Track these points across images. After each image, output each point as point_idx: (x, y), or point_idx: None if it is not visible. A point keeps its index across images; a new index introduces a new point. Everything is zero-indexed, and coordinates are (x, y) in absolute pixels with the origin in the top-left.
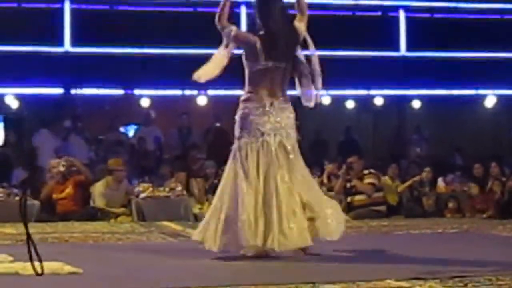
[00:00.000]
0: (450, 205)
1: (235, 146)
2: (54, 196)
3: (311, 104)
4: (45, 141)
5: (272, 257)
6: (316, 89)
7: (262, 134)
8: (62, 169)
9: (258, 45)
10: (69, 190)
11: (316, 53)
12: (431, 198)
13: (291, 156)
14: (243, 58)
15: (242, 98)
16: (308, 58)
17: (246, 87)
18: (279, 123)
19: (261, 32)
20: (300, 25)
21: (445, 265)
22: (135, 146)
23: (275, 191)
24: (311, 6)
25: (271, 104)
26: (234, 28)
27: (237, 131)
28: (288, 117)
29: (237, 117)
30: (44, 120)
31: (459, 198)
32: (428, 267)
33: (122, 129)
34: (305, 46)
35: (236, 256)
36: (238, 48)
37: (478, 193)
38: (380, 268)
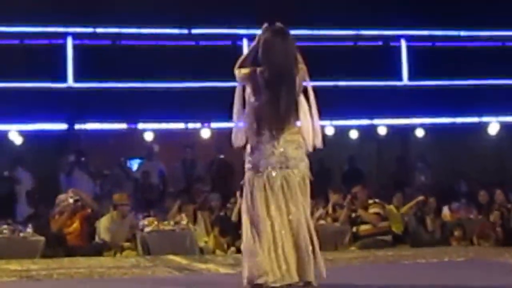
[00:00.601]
0: (456, 233)
1: (244, 179)
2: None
3: (317, 142)
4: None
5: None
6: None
7: (267, 167)
8: (71, 201)
9: (260, 79)
10: (76, 225)
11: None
12: (436, 221)
13: (297, 190)
14: (247, 91)
15: (248, 131)
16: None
17: (251, 120)
18: (284, 156)
19: (263, 66)
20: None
21: None
22: (139, 180)
23: (281, 224)
24: (313, 37)
25: (276, 137)
26: (237, 70)
27: (245, 164)
28: (295, 149)
29: (246, 150)
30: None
31: (464, 226)
32: None
33: (126, 163)
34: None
35: None
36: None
37: (483, 220)
38: None
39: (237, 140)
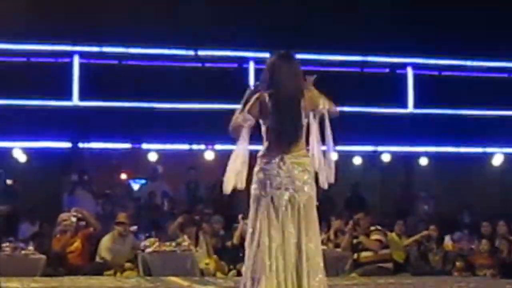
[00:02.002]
0: (458, 264)
1: (250, 199)
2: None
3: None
4: None
5: None
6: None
7: (272, 188)
8: (74, 220)
9: (267, 101)
10: (77, 244)
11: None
12: (438, 254)
13: (301, 212)
14: (258, 115)
15: (258, 153)
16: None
17: (263, 143)
18: (290, 178)
19: (270, 90)
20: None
21: None
22: (141, 200)
23: (280, 247)
24: (319, 62)
25: (282, 159)
26: (240, 113)
27: (252, 185)
28: (302, 171)
29: (254, 172)
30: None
31: (466, 257)
32: None
33: (129, 184)
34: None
35: None
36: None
37: (485, 250)
38: None
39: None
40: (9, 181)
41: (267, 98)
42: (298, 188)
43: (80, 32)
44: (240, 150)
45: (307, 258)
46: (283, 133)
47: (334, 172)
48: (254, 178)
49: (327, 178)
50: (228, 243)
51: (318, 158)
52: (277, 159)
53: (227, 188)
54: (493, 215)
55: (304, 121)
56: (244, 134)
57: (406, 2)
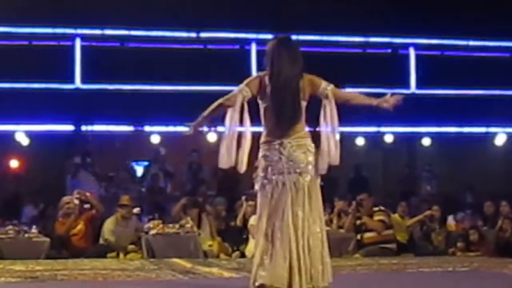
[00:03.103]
0: (459, 244)
1: (255, 185)
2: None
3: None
4: None
5: None
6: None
7: (274, 173)
8: (77, 202)
9: (266, 80)
10: (81, 226)
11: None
12: (441, 234)
13: (305, 194)
14: (258, 98)
15: (260, 139)
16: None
17: (263, 128)
18: (292, 161)
19: (269, 73)
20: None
21: None
22: (144, 182)
23: (291, 228)
24: (321, 43)
25: (281, 144)
26: (240, 91)
27: (257, 172)
28: (303, 153)
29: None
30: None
31: (469, 237)
32: None
33: (131, 166)
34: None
35: None
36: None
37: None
38: None
39: (224, 160)
40: (12, 164)
41: (267, 80)
42: (302, 170)
43: (82, 14)
44: (245, 130)
45: (314, 239)
46: (282, 115)
47: (339, 153)
48: (258, 163)
49: (332, 160)
50: (232, 224)
51: (325, 139)
52: (276, 145)
53: (242, 168)
54: (496, 195)
55: (303, 104)
56: (238, 107)
57: None
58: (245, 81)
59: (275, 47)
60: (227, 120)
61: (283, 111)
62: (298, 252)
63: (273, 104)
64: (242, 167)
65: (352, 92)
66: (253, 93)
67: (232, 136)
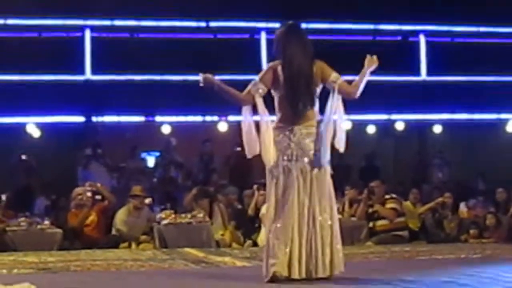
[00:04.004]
0: (472, 231)
1: (266, 172)
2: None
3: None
4: None
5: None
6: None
7: (283, 159)
8: (89, 194)
9: (279, 70)
10: (93, 217)
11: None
12: (453, 221)
13: (313, 182)
14: (272, 89)
15: (272, 126)
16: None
17: (276, 114)
18: (301, 148)
19: (281, 62)
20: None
21: None
22: (156, 173)
23: (296, 216)
24: (331, 31)
25: (292, 131)
26: (256, 90)
27: None
28: (312, 141)
29: None
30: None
31: (481, 224)
32: None
33: (143, 156)
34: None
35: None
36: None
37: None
38: None
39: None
40: (23, 157)
41: (279, 68)
42: (310, 158)
43: (91, 6)
44: (264, 121)
45: (321, 228)
46: (297, 102)
47: (345, 141)
48: None
49: (339, 147)
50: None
51: (330, 127)
52: (287, 131)
53: (269, 160)
54: (508, 181)
55: (316, 90)
56: (260, 104)
57: None
58: (259, 76)
59: (285, 34)
60: (245, 114)
61: (297, 97)
62: (300, 240)
63: (287, 92)
64: (270, 158)
65: (352, 85)
66: (268, 87)
67: (249, 127)
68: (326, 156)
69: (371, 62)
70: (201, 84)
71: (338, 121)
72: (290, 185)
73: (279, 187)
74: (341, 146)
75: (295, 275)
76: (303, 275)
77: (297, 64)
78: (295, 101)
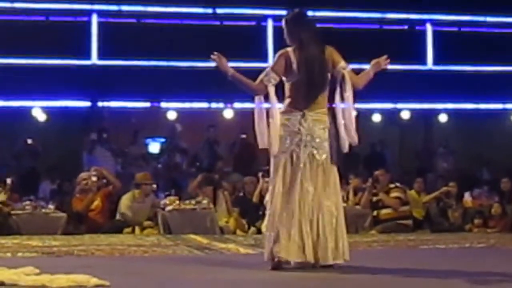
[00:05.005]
0: (476, 221)
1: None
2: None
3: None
4: None
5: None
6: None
7: (292, 145)
8: (95, 179)
9: (292, 57)
10: (97, 202)
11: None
12: (457, 211)
13: (319, 170)
14: (283, 77)
15: (280, 110)
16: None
17: (285, 99)
18: (310, 135)
19: (294, 47)
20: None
21: (473, 281)
22: (161, 159)
23: (299, 203)
24: (338, 19)
25: (303, 116)
26: (269, 80)
27: None
28: (322, 129)
29: None
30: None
31: (485, 214)
32: (455, 282)
33: (146, 142)
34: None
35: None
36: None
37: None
38: (407, 282)
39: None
40: (29, 141)
41: (291, 54)
42: (318, 146)
43: None
44: (274, 110)
45: (326, 216)
46: (312, 85)
47: (355, 131)
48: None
49: (352, 140)
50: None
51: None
52: (298, 116)
53: (275, 149)
54: None
55: (328, 75)
56: (272, 93)
57: None
58: (272, 65)
59: (296, 19)
60: (257, 103)
61: (312, 80)
62: (301, 228)
63: (302, 76)
64: (275, 147)
65: (359, 76)
66: (280, 76)
67: (261, 117)
68: (344, 149)
69: (378, 65)
70: (215, 64)
71: (352, 112)
72: (296, 172)
73: (286, 173)
74: (355, 140)
75: (301, 258)
76: (311, 260)
77: (311, 47)
78: (310, 83)
